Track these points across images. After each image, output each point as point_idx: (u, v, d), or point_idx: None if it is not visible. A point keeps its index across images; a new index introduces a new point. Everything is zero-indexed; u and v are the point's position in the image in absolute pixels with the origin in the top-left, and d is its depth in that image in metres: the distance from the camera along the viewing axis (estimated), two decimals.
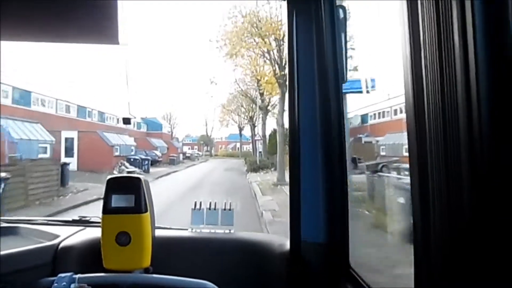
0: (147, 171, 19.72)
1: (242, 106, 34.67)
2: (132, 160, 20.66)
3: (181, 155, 35.78)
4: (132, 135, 28.25)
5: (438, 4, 0.59)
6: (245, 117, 36.96)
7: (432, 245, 0.63)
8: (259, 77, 21.34)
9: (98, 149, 19.59)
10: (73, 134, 20.07)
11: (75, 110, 24.62)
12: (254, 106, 31.13)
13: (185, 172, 22.60)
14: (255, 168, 21.80)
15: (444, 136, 0.59)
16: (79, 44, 1.29)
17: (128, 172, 16.61)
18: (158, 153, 28.25)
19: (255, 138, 26.98)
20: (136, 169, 18.85)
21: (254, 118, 33.36)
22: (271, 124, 27.18)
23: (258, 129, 33.18)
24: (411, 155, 0.69)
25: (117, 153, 20.91)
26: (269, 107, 24.52)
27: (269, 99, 23.89)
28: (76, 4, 1.17)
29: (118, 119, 29.70)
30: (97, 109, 27.52)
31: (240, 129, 42.62)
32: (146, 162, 20.97)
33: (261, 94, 23.99)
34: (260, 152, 29.21)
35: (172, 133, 45.64)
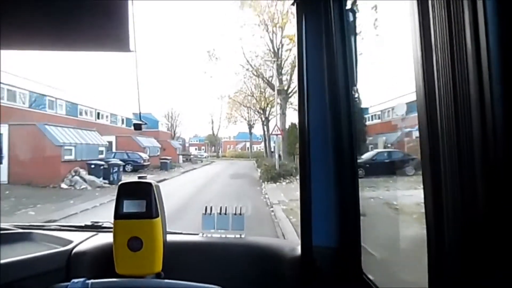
0: (114, 182, 14.63)
1: (252, 94, 28.50)
2: (93, 166, 15.35)
3: (180, 157, 31.71)
4: (114, 132, 24.52)
5: (449, 6, 0.59)
6: (256, 111, 31.49)
7: (446, 245, 0.63)
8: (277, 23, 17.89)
9: (39, 151, 14.27)
10: (3, 129, 13.92)
11: (26, 98, 19.19)
12: (265, 95, 26.49)
13: (172, 183, 16.21)
14: (273, 176, 16.26)
15: (457, 137, 0.58)
16: (90, 52, 1.30)
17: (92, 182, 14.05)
18: (144, 155, 23.04)
19: (272, 133, 19.96)
20: (97, 180, 14.61)
21: (267, 111, 28.09)
22: (290, 117, 22.38)
23: (272, 125, 27.52)
24: (423, 157, 0.69)
25: (69, 157, 15.32)
26: (290, 93, 20.33)
27: (291, 77, 20.02)
28: (87, 13, 1.19)
29: (100, 114, 26.39)
30: (66, 99, 22.51)
31: (250, 127, 38.69)
32: (116, 169, 15.94)
33: (280, 69, 19.46)
34: (272, 152, 24.66)
35: (174, 132, 42.85)
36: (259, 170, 20.97)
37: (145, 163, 22.27)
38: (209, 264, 1.59)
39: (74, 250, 1.62)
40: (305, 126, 1.45)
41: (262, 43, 21.27)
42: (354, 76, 1.38)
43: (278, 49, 20.03)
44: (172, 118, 43.63)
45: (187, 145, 46.93)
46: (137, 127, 1.47)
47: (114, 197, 1.46)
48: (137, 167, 21.01)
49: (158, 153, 27.10)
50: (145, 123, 1.48)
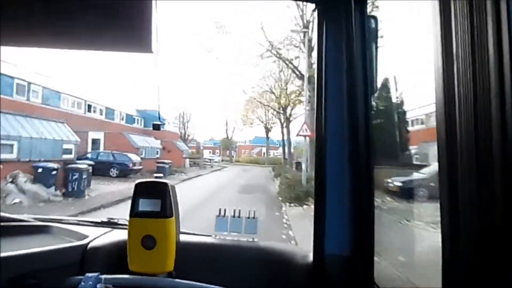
0: (74, 193, 11.23)
1: (270, 90, 23.99)
2: (41, 170, 11.30)
3: (187, 161, 28.70)
4: (110, 129, 21.48)
5: (472, 15, 0.58)
6: (274, 111, 27.68)
7: (461, 248, 0.62)
8: None
9: None
10: None
11: None
12: (286, 91, 22.48)
13: None
14: (298, 195, 11.54)
15: (476, 147, 0.58)
16: (113, 52, 1.32)
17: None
18: (135, 157, 18.86)
19: (299, 133, 13.98)
20: (42, 192, 10.71)
21: (288, 111, 24.27)
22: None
23: (293, 127, 25.33)
24: (440, 162, 0.68)
25: (9, 155, 11.28)
26: None
27: None
28: (111, 13, 1.20)
29: (91, 107, 22.76)
30: (45, 85, 18.40)
31: (267, 130, 35.27)
32: (76, 175, 11.71)
33: (310, 48, 14.33)
34: (286, 159, 23.58)
35: (185, 133, 40.36)
36: (276, 180, 17.28)
37: (134, 167, 18.12)
38: (221, 266, 1.59)
39: (90, 245, 1.65)
40: (322, 133, 1.45)
41: (285, 17, 17.37)
42: (374, 84, 1.38)
43: (308, 22, 15.26)
44: (183, 119, 41.16)
45: (201, 148, 43.83)
46: (156, 127, 1.49)
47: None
48: (124, 172, 17.47)
49: (158, 155, 24.00)
50: (163, 124, 1.49)
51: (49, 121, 14.27)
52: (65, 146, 14.53)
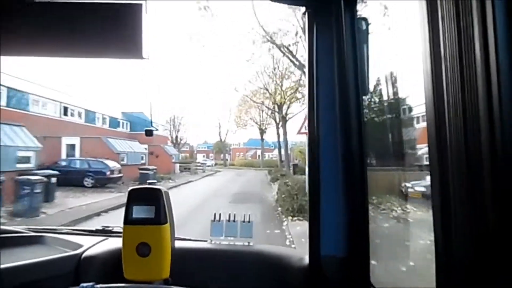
0: (26, 213, 9.16)
1: (265, 87, 22.93)
2: None
3: (177, 167, 27.14)
4: (89, 133, 20.00)
5: (459, 16, 0.59)
6: (269, 110, 26.50)
7: (454, 252, 0.63)
8: None
9: None
10: None
11: None
12: (282, 86, 21.35)
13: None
14: (302, 206, 9.63)
15: (466, 146, 0.58)
16: (104, 59, 1.31)
17: None
18: (113, 163, 17.15)
19: (301, 131, 12.64)
20: None
21: (284, 109, 22.86)
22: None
23: (290, 126, 24.14)
24: (432, 164, 0.68)
25: None
26: None
27: None
28: (100, 19, 1.21)
29: (68, 109, 21.02)
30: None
31: (262, 132, 34.08)
32: (27, 189, 9.62)
33: None
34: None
35: (176, 137, 39.00)
36: (273, 186, 15.65)
37: (113, 175, 16.35)
38: (217, 271, 1.59)
39: (84, 254, 1.64)
40: (315, 134, 1.45)
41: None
42: (366, 85, 1.39)
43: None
44: (175, 122, 39.34)
45: (194, 152, 43.60)
46: (149, 133, 1.47)
47: None
48: (101, 181, 15.74)
49: (143, 161, 22.50)
50: (157, 129, 1.47)
51: (2, 124, 12.06)
52: (21, 153, 12.47)
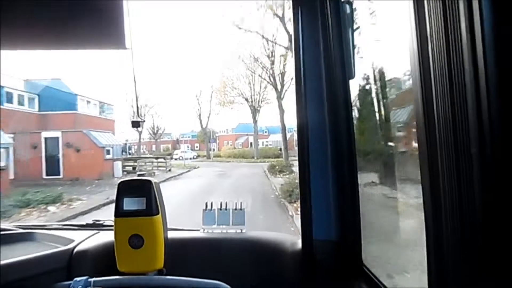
0: None
1: (255, 58, 18.43)
2: None
3: (117, 166, 16.84)
4: None
5: (445, 10, 0.59)
6: (262, 83, 21.14)
7: (445, 248, 0.63)
8: None
9: None
10: None
11: None
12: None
13: None
14: None
15: (454, 131, 0.59)
16: (87, 50, 1.31)
17: None
18: None
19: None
20: None
21: (286, 75, 18.08)
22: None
23: None
24: (421, 162, 0.69)
25: None
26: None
27: None
28: (82, 12, 1.20)
29: None
30: None
31: (255, 111, 25.05)
32: None
33: None
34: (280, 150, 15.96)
35: (154, 125, 31.78)
36: (282, 198, 9.88)
37: None
38: (211, 259, 1.60)
39: (76, 249, 1.63)
40: (304, 120, 1.45)
41: None
42: (352, 69, 1.39)
43: None
44: (147, 106, 28.29)
45: (178, 142, 36.24)
46: (135, 125, 1.47)
47: None
48: None
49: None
50: (144, 121, 1.45)
51: None
52: None
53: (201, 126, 32.30)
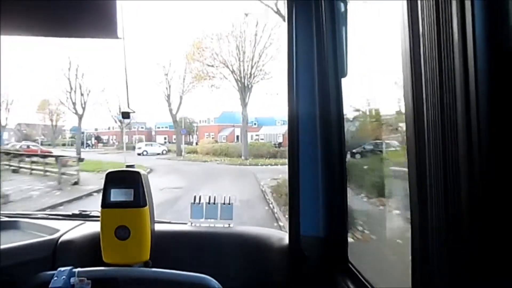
0: None
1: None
2: None
3: None
4: None
5: (438, 11, 0.59)
6: (258, 47, 15.25)
7: (430, 247, 0.64)
8: None
9: None
10: None
11: None
12: None
13: None
14: None
15: (443, 132, 0.59)
16: (79, 38, 1.30)
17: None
18: None
19: None
20: None
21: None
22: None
23: None
24: (409, 164, 0.70)
25: None
26: None
27: None
28: (75, 1, 1.17)
29: None
30: None
31: (244, 89, 17.92)
32: None
33: None
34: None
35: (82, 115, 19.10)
36: None
37: None
38: (198, 253, 1.60)
39: (61, 239, 1.61)
40: (294, 116, 1.45)
41: None
42: (345, 66, 1.40)
43: None
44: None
45: (153, 133, 28.49)
46: (126, 115, 1.44)
47: None
48: None
49: None
50: (134, 111, 1.44)
51: None
52: None
53: (170, 111, 21.84)
